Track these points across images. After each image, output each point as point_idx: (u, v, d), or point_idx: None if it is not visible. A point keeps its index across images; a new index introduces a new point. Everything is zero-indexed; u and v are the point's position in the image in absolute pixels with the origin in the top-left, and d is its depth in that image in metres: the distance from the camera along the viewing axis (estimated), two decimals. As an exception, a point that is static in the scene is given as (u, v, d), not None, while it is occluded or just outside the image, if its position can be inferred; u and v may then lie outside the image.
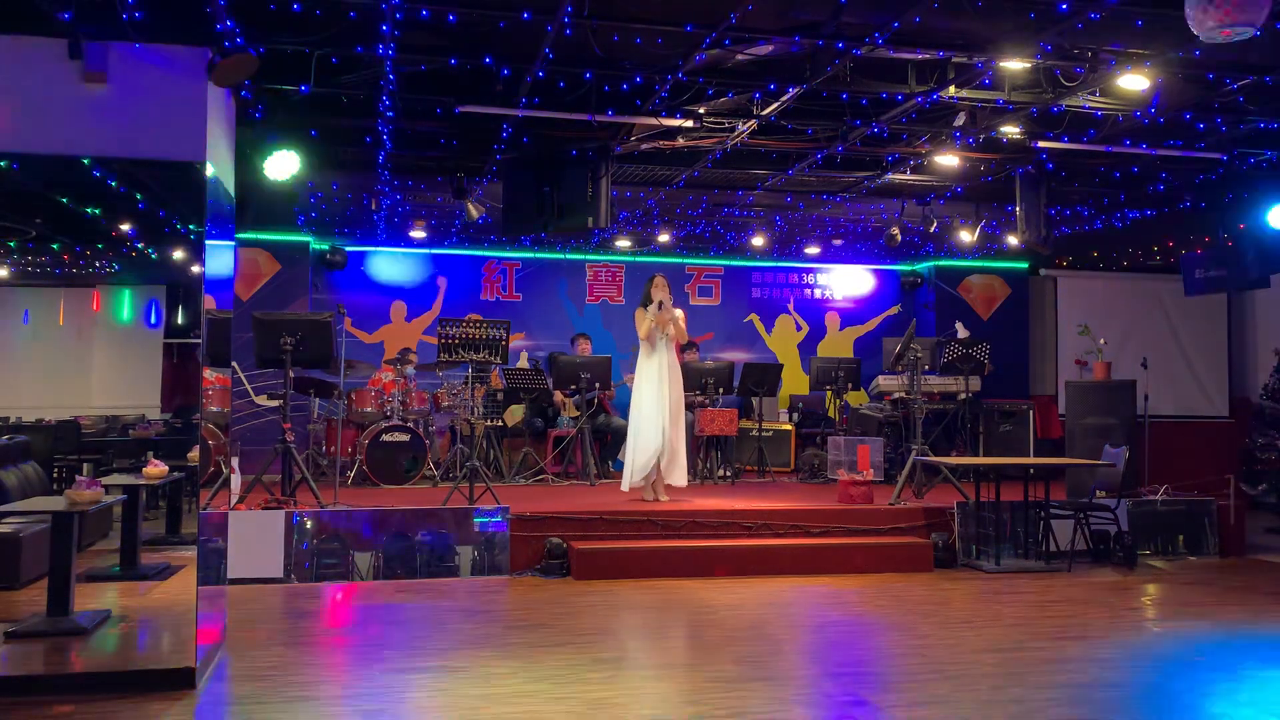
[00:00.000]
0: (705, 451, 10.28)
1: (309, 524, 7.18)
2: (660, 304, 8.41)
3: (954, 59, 7.16)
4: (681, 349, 11.82)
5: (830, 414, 11.90)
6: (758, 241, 12.47)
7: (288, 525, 7.14)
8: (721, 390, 10.44)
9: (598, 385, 9.95)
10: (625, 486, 8.49)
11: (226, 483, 7.66)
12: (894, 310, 14.09)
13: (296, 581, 7.08)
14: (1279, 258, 10.53)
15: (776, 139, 8.82)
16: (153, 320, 8.89)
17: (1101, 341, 9.61)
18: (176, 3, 5.55)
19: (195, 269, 4.95)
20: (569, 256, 13.05)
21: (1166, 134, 8.54)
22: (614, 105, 7.82)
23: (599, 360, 10.25)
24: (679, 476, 8.47)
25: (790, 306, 13.88)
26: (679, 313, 8.58)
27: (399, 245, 12.49)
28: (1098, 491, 8.29)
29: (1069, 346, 12.66)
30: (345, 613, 6.43)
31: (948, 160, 9.30)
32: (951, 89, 7.50)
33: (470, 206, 9.72)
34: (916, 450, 8.73)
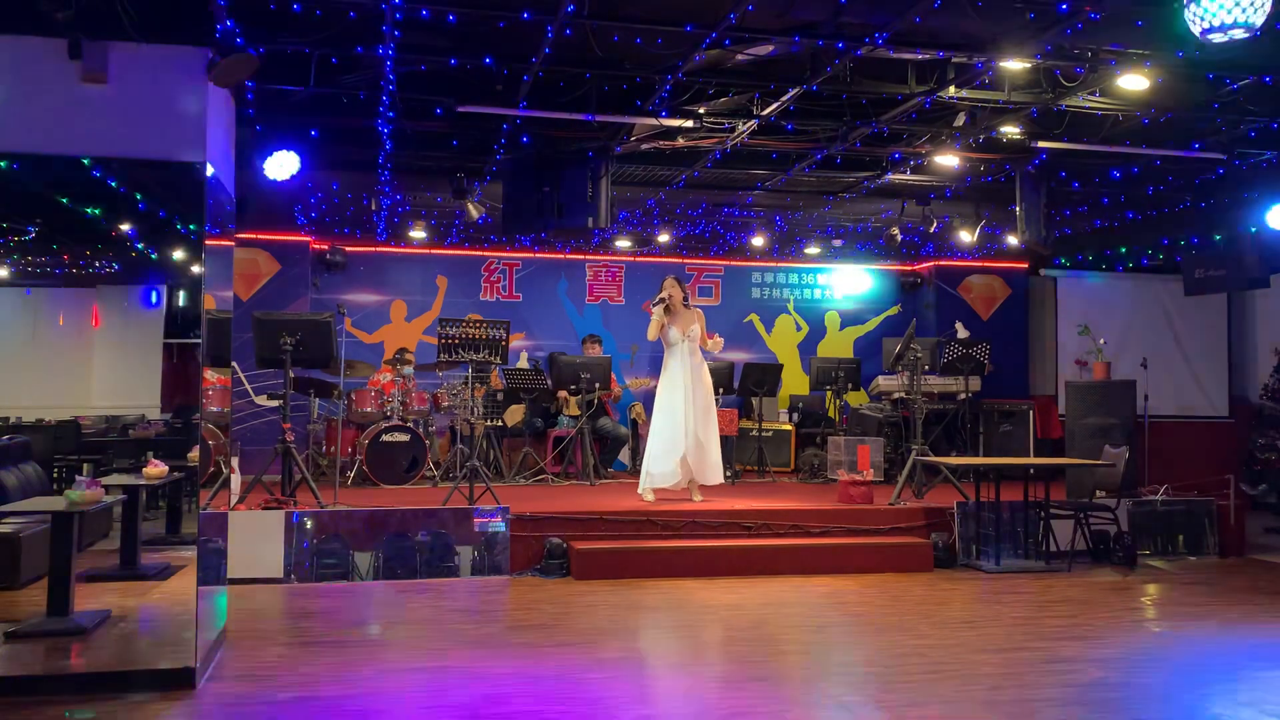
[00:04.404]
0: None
1: (309, 524, 7.18)
2: (662, 300, 8.40)
3: (954, 59, 7.16)
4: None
5: (830, 414, 11.90)
6: (758, 241, 12.47)
7: (288, 525, 7.14)
8: (721, 390, 10.44)
9: (598, 385, 9.94)
10: (641, 490, 8.42)
11: (226, 483, 7.67)
12: (894, 310, 14.08)
13: (296, 581, 7.07)
14: (1279, 258, 10.53)
15: (776, 139, 8.82)
16: (153, 300, 8.87)
17: (1101, 341, 9.61)
18: (176, 3, 5.54)
19: (195, 269, 4.95)
20: (569, 256, 13.05)
21: (1166, 134, 8.54)
22: (614, 105, 7.82)
23: (599, 360, 10.24)
24: (714, 475, 8.44)
25: (790, 306, 13.88)
26: (698, 316, 8.53)
27: (399, 245, 12.49)
28: (1098, 491, 8.29)
29: (1069, 346, 12.65)
30: (345, 613, 6.42)
31: (948, 160, 9.30)
32: (951, 89, 7.50)
33: (470, 206, 9.72)
34: (916, 450, 8.73)
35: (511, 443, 10.70)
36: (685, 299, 8.55)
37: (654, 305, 8.49)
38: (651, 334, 8.47)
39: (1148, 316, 13.20)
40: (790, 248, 13.22)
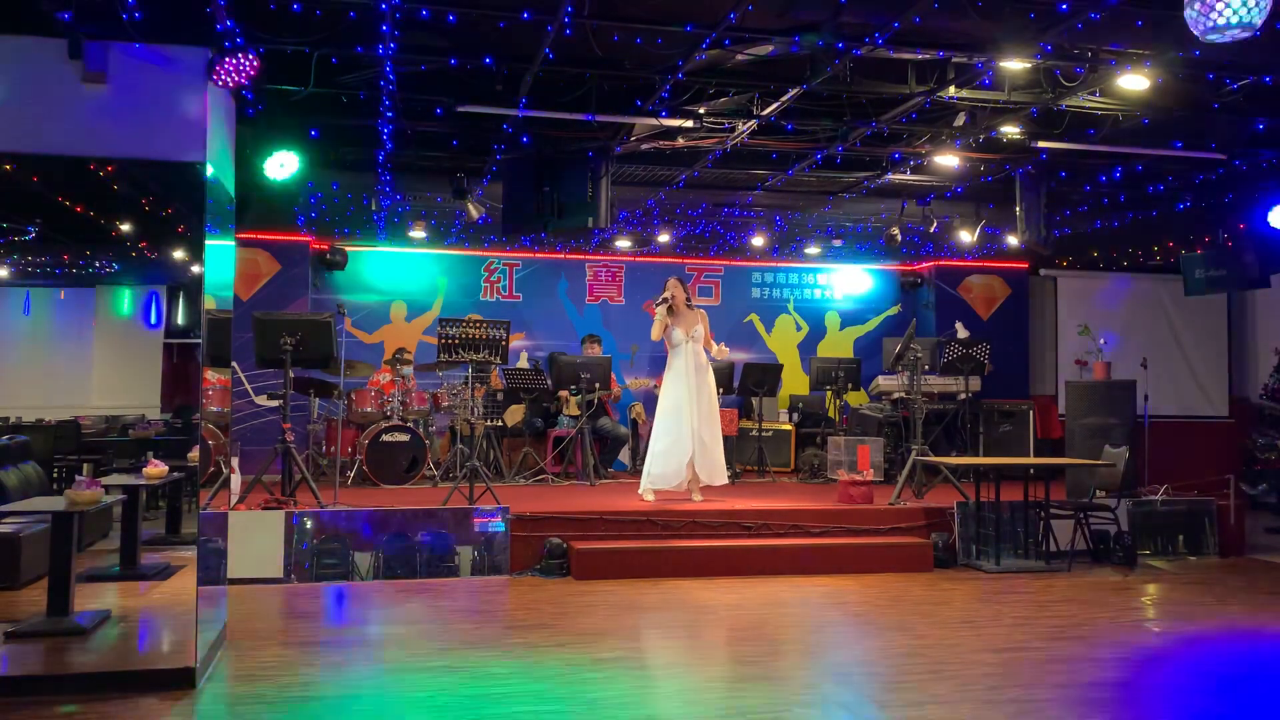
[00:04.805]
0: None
1: (309, 524, 7.18)
2: (665, 301, 8.39)
3: (954, 59, 7.16)
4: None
5: (830, 414, 11.90)
6: (758, 241, 12.47)
7: (288, 525, 7.14)
8: (721, 390, 10.43)
9: (598, 385, 9.94)
10: (641, 491, 8.42)
11: (226, 483, 7.67)
12: (894, 310, 14.08)
13: (296, 581, 7.07)
14: (1279, 258, 10.53)
15: (776, 139, 8.82)
16: (153, 320, 8.89)
17: (1101, 341, 9.61)
18: (176, 3, 5.54)
19: (195, 269, 4.95)
20: (569, 256, 13.05)
21: (1167, 134, 8.54)
22: (614, 105, 7.82)
23: (599, 360, 10.24)
24: (719, 476, 8.43)
25: (790, 306, 13.88)
26: (701, 317, 8.54)
27: (399, 245, 12.49)
28: (1098, 491, 8.28)
29: (1069, 346, 12.65)
30: (345, 613, 6.43)
31: (948, 160, 9.30)
32: (951, 89, 7.50)
33: (470, 206, 9.72)
34: (916, 450, 8.73)
35: (511, 443, 10.70)
36: (688, 300, 8.56)
37: (656, 306, 8.49)
38: (655, 334, 8.49)
39: (1148, 316, 13.21)
40: (790, 248, 13.23)
